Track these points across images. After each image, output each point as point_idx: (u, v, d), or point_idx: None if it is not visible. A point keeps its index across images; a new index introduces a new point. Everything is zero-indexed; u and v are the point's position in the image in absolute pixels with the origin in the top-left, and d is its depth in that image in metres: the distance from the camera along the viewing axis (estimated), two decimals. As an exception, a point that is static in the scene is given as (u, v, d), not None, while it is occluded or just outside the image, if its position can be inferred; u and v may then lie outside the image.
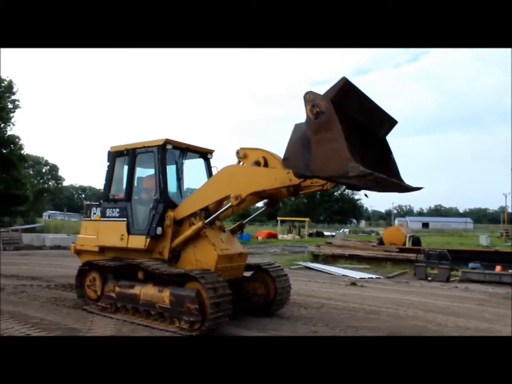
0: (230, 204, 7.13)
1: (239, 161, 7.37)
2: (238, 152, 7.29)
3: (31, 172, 70.77)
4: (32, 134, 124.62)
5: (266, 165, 6.98)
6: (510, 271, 14.77)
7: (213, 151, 9.06)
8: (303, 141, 5.70)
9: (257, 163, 7.04)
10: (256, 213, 9.44)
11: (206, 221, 7.37)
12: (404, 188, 6.56)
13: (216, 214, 7.46)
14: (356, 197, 63.05)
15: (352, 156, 5.52)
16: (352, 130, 6.03)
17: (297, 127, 5.91)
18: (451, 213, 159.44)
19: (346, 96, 5.61)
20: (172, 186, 8.27)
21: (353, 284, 13.39)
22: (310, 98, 5.57)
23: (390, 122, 6.75)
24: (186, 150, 8.53)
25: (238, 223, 8.74)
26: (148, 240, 7.71)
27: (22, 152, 34.22)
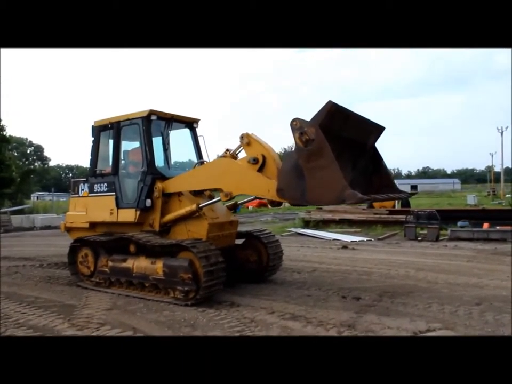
0: (219, 198, 7.12)
1: (240, 146, 7.20)
2: (242, 137, 7.03)
3: (16, 154, 69.76)
4: (14, 115, 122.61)
5: (263, 165, 6.75)
6: (498, 227, 15.03)
7: (199, 120, 8.95)
8: (295, 170, 5.65)
9: (255, 160, 6.79)
10: (248, 199, 9.23)
11: (200, 206, 7.30)
12: (397, 198, 6.61)
13: (208, 202, 7.42)
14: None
15: (346, 178, 5.50)
16: (342, 147, 6.12)
17: (287, 155, 5.90)
18: (439, 174, 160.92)
19: (333, 118, 5.58)
20: (158, 158, 8.17)
21: (345, 247, 13.54)
22: (298, 126, 5.54)
23: (378, 130, 6.92)
24: (171, 120, 8.40)
25: (233, 202, 8.67)
26: (138, 213, 7.69)
27: (4, 133, 33.61)
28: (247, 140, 6.97)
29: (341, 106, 5.69)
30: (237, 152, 7.48)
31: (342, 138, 6.09)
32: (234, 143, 7.43)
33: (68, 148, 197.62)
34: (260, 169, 6.75)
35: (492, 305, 6.46)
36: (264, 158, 6.76)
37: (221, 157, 7.84)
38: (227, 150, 7.72)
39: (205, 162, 8.24)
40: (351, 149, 6.52)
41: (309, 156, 5.47)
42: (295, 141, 5.59)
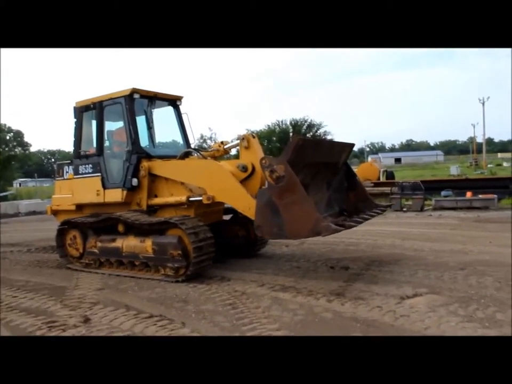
0: (201, 198, 7.07)
1: (237, 145, 7.35)
2: (243, 139, 7.07)
3: (-5, 140, 68.37)
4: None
5: (252, 173, 6.92)
6: (480, 196, 15.31)
7: (182, 97, 8.89)
8: (270, 206, 5.76)
9: (245, 169, 6.94)
10: None
11: (190, 199, 7.25)
12: (374, 214, 7.04)
13: (197, 198, 7.21)
14: (329, 138, 63.17)
15: (320, 211, 5.79)
16: (315, 171, 6.48)
17: (261, 192, 5.98)
18: (422, 147, 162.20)
19: (301, 151, 5.77)
20: (143, 137, 8.12)
21: (332, 220, 13.64)
22: (267, 164, 5.69)
23: (348, 148, 7.38)
24: (154, 98, 8.33)
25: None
26: (125, 192, 7.67)
27: (-17, 119, 32.90)
28: (246, 144, 7.02)
29: (308, 139, 6.01)
30: (231, 149, 7.65)
31: (314, 164, 6.35)
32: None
33: (49, 133, 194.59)
34: (247, 178, 6.94)
35: (476, 269, 6.64)
36: (254, 168, 6.88)
37: (213, 150, 7.91)
38: (222, 142, 7.79)
39: (192, 153, 8.11)
40: (325, 170, 6.81)
41: (281, 192, 5.61)
42: (267, 179, 5.74)
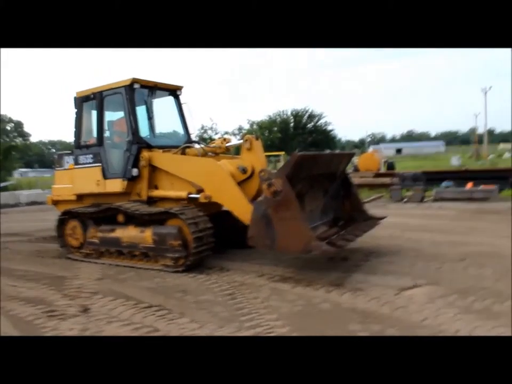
0: (198, 197, 7.08)
1: (239, 144, 7.35)
2: (246, 140, 7.04)
3: (-4, 131, 68.24)
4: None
5: (251, 175, 6.94)
6: (481, 186, 15.28)
7: (182, 87, 8.87)
8: (265, 219, 5.84)
9: (244, 171, 6.98)
10: None
11: (190, 196, 7.23)
12: (367, 229, 7.17)
13: (197, 196, 7.17)
14: (329, 128, 63.19)
15: (313, 216, 6.20)
16: (313, 180, 6.58)
17: (257, 203, 6.03)
18: (423, 137, 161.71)
19: (300, 167, 5.84)
20: (143, 127, 8.12)
21: (332, 211, 13.64)
22: (265, 177, 5.73)
23: (347, 158, 7.60)
24: (154, 88, 8.32)
25: None
26: (125, 182, 7.68)
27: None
28: (248, 146, 7.01)
29: (308, 155, 6.03)
30: (232, 147, 7.79)
31: (312, 177, 6.43)
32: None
33: (51, 123, 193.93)
34: (246, 179, 7.00)
35: (475, 260, 6.65)
36: (253, 171, 6.90)
37: (215, 146, 7.93)
38: (224, 139, 7.89)
39: (193, 144, 8.08)
40: (322, 179, 6.89)
41: (276, 206, 5.67)
42: (264, 191, 5.78)
